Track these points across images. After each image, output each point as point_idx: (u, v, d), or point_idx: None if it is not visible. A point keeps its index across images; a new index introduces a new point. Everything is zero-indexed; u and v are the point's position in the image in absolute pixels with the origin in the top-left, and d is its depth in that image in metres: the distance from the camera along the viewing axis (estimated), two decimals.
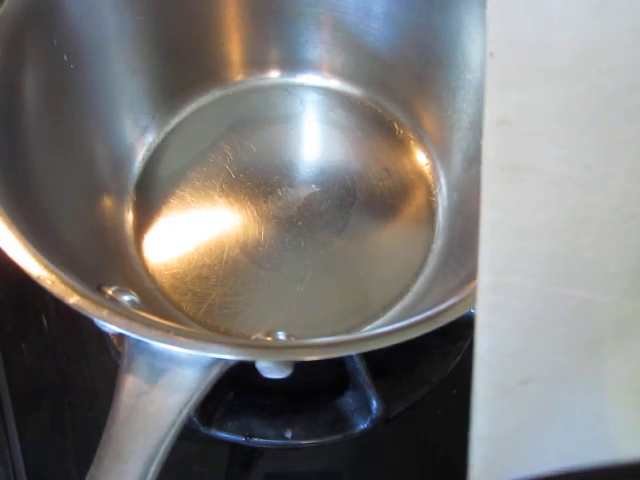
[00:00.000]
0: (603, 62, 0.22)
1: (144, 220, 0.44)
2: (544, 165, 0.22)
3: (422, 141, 0.48)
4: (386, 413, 0.38)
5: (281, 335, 0.34)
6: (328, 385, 0.40)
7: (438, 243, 0.44)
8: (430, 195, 0.46)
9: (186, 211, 0.45)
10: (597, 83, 0.22)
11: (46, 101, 0.37)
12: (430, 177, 0.47)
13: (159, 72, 0.46)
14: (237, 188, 0.46)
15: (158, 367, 0.27)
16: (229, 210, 0.45)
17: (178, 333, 0.26)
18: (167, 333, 0.26)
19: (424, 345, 0.41)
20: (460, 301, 0.28)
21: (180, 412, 0.26)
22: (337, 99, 0.50)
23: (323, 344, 0.27)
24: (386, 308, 0.41)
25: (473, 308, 0.28)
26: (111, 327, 0.26)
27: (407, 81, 0.48)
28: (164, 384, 0.27)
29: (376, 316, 0.41)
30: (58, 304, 0.42)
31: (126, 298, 0.32)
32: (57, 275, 0.27)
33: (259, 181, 0.46)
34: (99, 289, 0.31)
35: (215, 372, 0.27)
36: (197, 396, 0.27)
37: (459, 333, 0.41)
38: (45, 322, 0.43)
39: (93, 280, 0.31)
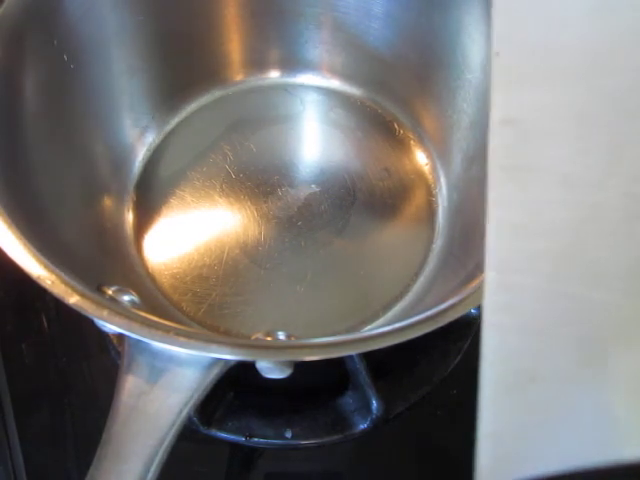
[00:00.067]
0: (609, 62, 0.22)
1: (144, 220, 0.44)
2: (548, 165, 0.22)
3: (422, 141, 0.48)
4: (386, 413, 0.38)
5: (281, 335, 0.34)
6: (328, 385, 0.40)
7: (438, 243, 0.44)
8: (430, 195, 0.46)
9: (186, 211, 0.45)
10: (602, 83, 0.22)
11: (46, 101, 0.37)
12: (430, 177, 0.47)
13: (159, 72, 0.46)
14: (237, 188, 0.46)
15: (158, 367, 0.27)
16: (229, 210, 0.45)
17: (178, 333, 0.26)
18: (167, 333, 0.26)
19: (424, 345, 0.41)
20: (460, 301, 0.28)
21: (180, 412, 0.26)
22: (337, 99, 0.50)
23: (323, 344, 0.27)
24: (386, 308, 0.41)
25: (473, 308, 0.28)
26: (111, 327, 0.26)
27: (407, 81, 0.48)
28: (164, 384, 0.27)
29: (376, 316, 0.41)
30: (58, 304, 0.42)
31: (126, 298, 0.32)
32: (57, 275, 0.27)
33: (259, 181, 0.46)
34: (99, 289, 0.31)
35: (215, 372, 0.27)
36: (197, 396, 0.27)
37: (459, 333, 0.41)
38: (45, 322, 0.43)
39: (93, 280, 0.31)
